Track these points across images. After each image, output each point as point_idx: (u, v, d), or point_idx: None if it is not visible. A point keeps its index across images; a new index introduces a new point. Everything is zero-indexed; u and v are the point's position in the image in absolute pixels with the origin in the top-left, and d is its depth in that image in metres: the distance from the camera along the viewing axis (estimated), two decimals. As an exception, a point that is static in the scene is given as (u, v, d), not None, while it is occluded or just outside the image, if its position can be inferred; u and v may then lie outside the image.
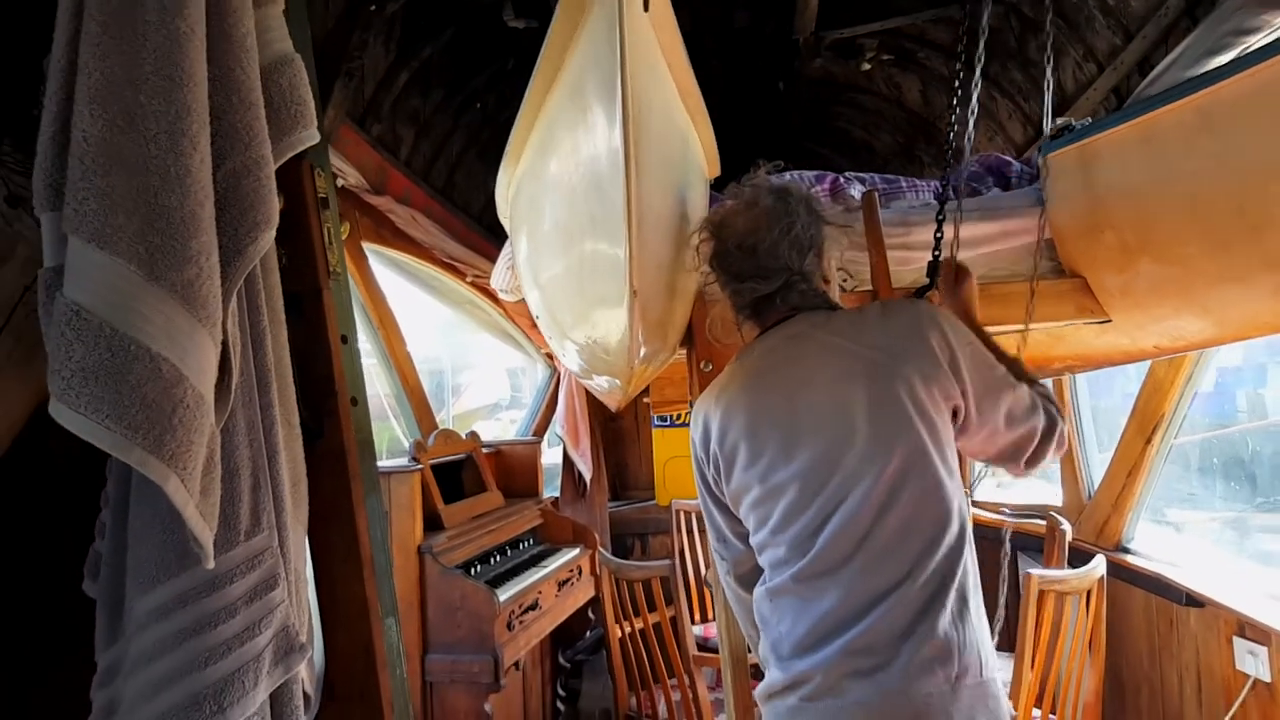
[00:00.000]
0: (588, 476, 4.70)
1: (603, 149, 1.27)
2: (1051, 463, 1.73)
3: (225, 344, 0.94)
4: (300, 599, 1.22)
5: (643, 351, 1.53)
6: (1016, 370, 1.67)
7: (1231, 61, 1.76)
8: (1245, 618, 2.76)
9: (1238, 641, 2.82)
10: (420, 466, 2.92)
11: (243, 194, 0.92)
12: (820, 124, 4.94)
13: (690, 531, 4.48)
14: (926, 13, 3.67)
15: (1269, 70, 1.64)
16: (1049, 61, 2.42)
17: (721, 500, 1.69)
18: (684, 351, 2.34)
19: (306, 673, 1.26)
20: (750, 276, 1.65)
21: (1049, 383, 3.86)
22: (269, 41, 1.02)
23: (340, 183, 3.31)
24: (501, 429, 5.36)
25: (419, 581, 2.81)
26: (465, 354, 7.13)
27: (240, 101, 0.93)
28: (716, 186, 2.55)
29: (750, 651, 1.80)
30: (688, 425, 5.07)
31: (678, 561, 3.86)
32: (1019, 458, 1.66)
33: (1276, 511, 3.60)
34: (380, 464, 3.48)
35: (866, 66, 4.09)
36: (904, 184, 2.52)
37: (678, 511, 4.34)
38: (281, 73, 1.03)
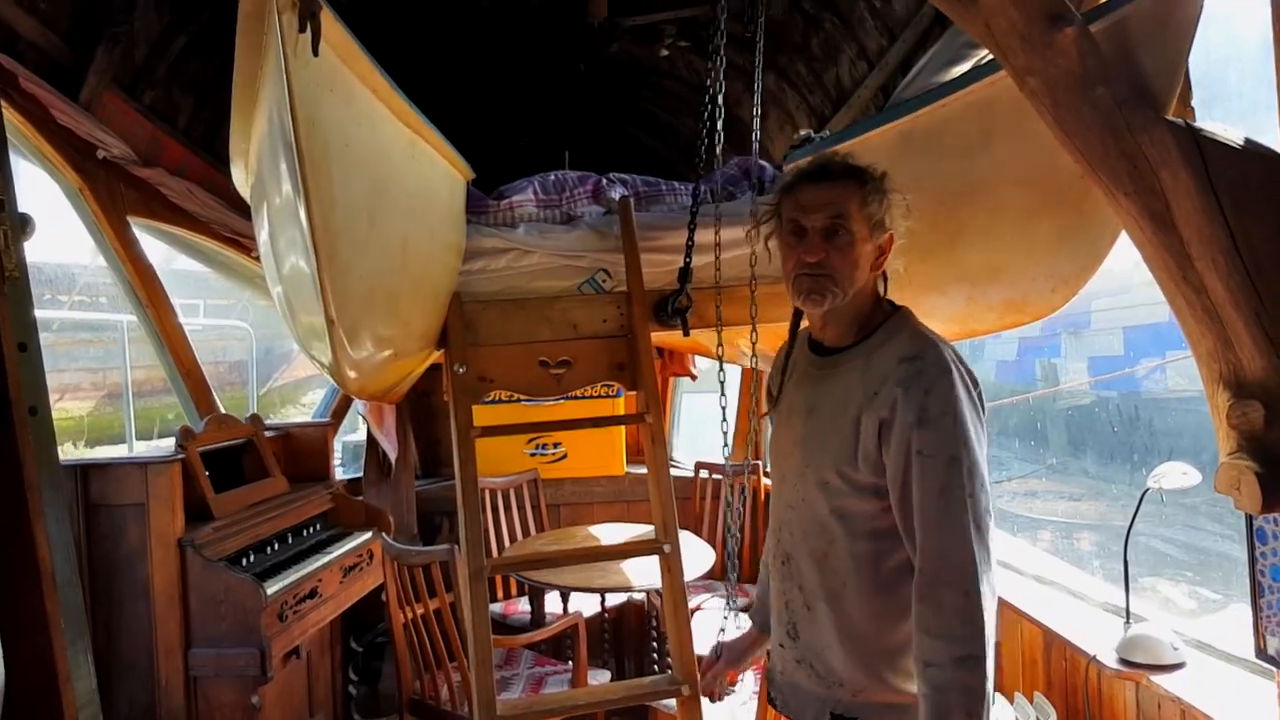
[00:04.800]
0: (393, 456, 4.63)
1: (289, 192, 1.26)
2: None
3: None
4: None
5: (355, 372, 1.53)
6: None
7: (924, 94, 1.91)
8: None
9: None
10: (181, 456, 2.79)
11: None
12: (629, 106, 5.00)
13: (495, 510, 4.51)
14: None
15: (949, 106, 1.80)
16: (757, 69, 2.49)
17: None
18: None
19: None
20: None
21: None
22: None
23: (103, 154, 3.12)
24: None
25: (180, 576, 2.70)
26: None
27: None
28: (482, 185, 2.56)
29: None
30: (498, 403, 5.03)
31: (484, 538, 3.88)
32: None
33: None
34: (137, 454, 3.33)
35: (665, 52, 4.16)
36: (664, 187, 2.60)
37: (482, 490, 4.35)
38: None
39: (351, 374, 1.52)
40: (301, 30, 1.13)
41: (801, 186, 1.58)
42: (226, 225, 3.66)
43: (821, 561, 1.57)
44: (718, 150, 2.43)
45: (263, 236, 1.79)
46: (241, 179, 1.91)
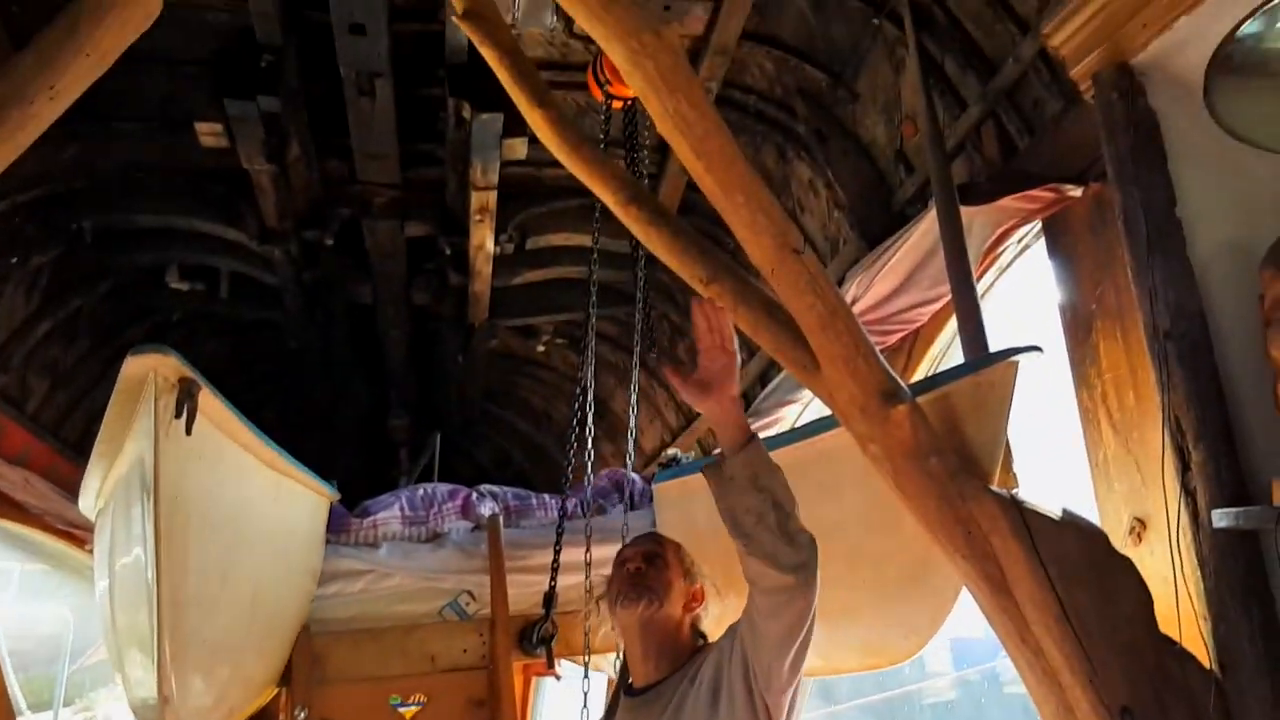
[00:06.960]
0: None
1: (138, 556, 1.21)
2: None
3: None
4: None
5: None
6: None
7: (784, 434, 2.05)
8: None
9: None
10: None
11: None
12: (504, 392, 5.14)
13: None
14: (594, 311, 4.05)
15: (803, 450, 1.93)
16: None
17: None
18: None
19: None
20: None
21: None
22: None
23: (-69, 447, 2.92)
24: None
25: None
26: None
27: None
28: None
29: None
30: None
31: None
32: None
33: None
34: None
35: (541, 348, 4.36)
36: (534, 501, 2.62)
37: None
38: None
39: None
40: (178, 416, 1.13)
41: (629, 545, 1.85)
42: (63, 517, 3.41)
43: None
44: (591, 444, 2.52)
45: (102, 548, 1.68)
46: (90, 506, 1.81)
